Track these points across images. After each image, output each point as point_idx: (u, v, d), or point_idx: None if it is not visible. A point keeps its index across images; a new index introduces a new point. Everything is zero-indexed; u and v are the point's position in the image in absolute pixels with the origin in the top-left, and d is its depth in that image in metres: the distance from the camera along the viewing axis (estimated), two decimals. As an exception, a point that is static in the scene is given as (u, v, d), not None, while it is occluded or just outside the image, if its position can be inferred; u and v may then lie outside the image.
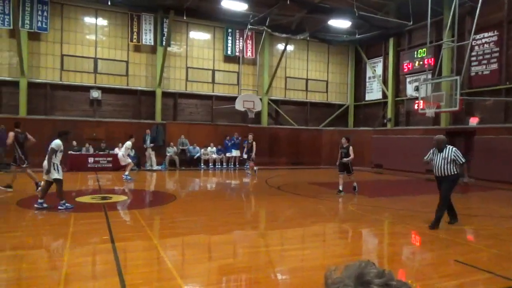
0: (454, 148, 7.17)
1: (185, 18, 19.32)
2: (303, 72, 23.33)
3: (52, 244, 5.66)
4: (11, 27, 16.54)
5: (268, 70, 22.00)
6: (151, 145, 18.02)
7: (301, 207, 9.33)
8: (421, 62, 18.78)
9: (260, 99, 21.21)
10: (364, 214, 8.65)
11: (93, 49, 18.68)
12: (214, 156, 19.66)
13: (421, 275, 4.82)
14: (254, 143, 15.74)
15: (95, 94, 18.41)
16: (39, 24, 17.21)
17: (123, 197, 10.30)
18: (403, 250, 6.18)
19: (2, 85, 17.08)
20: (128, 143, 13.79)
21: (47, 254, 5.31)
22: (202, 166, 19.31)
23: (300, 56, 23.22)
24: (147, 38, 19.19)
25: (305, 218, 8.06)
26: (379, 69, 22.65)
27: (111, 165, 16.95)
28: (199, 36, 20.86)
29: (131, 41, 19.04)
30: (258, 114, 21.37)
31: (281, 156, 21.48)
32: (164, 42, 19.01)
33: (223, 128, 20.55)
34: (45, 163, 8.01)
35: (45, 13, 17.31)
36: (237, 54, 21.15)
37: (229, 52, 21.07)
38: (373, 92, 23.21)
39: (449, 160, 7.05)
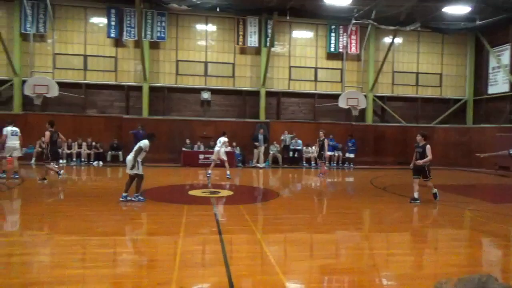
0: None
1: (288, 18, 19.55)
2: (413, 65, 21.73)
3: (168, 232, 6.26)
4: (136, 38, 18.73)
5: (373, 66, 21.02)
6: (265, 144, 18.59)
7: (410, 210, 8.73)
8: (561, 47, 15.96)
9: (365, 95, 20.40)
10: (485, 221, 7.72)
11: (203, 53, 20.10)
12: (315, 155, 19.51)
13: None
14: (326, 140, 14.70)
15: (205, 95, 19.80)
16: (158, 34, 19.15)
17: (230, 192, 10.88)
18: (535, 265, 5.35)
19: (130, 90, 19.45)
20: (225, 139, 13.93)
21: (164, 240, 5.89)
22: (304, 164, 19.33)
23: (409, 48, 21.68)
24: (252, 40, 19.92)
25: (414, 222, 7.53)
26: (505, 58, 19.89)
27: (219, 162, 18.00)
28: (302, 34, 20.92)
29: (237, 44, 19.98)
30: (363, 112, 20.59)
31: (387, 156, 20.36)
32: (268, 43, 19.52)
33: (326, 127, 20.24)
34: (129, 158, 8.53)
35: (163, 24, 19.18)
36: (341, 50, 20.65)
37: (332, 49, 20.70)
38: (498, 84, 20.50)
39: None
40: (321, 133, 14.80)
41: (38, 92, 17.34)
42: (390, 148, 20.42)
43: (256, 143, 18.46)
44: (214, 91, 20.05)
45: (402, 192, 11.49)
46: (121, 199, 8.53)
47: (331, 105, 20.08)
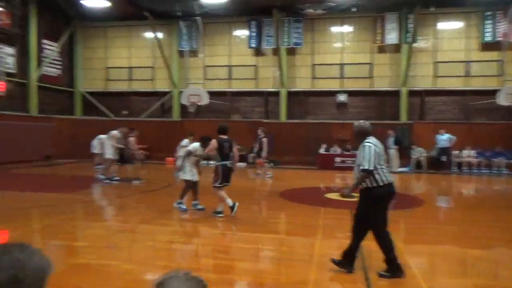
0: (368, 143, 4.33)
1: (433, 9, 17.86)
2: None
3: (306, 233, 6.37)
4: (275, 46, 19.67)
5: (545, 53, 17.59)
6: (395, 146, 17.44)
7: None
8: None
9: (533, 90, 17.26)
10: None
11: (339, 55, 19.87)
12: (469, 159, 17.27)
13: None
14: (265, 140, 13.81)
15: (342, 97, 19.52)
16: (295, 40, 19.71)
17: (367, 197, 10.46)
18: None
19: (268, 96, 20.51)
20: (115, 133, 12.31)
21: (301, 241, 6.02)
22: (455, 169, 17.29)
23: None
24: (391, 37, 18.80)
25: None
26: None
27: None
28: (449, 26, 18.85)
29: (375, 43, 19.15)
30: (530, 109, 17.45)
31: None
32: (408, 39, 18.17)
33: (480, 127, 17.79)
34: (179, 162, 8.08)
35: (299, 30, 19.67)
36: (499, 39, 17.89)
37: (488, 39, 18.08)
38: None
39: (358, 162, 4.38)
40: (259, 131, 14.16)
41: (192, 101, 19.77)
42: None
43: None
44: (350, 93, 19.62)
45: None
46: (175, 205, 7.86)
47: (487, 102, 17.58)
